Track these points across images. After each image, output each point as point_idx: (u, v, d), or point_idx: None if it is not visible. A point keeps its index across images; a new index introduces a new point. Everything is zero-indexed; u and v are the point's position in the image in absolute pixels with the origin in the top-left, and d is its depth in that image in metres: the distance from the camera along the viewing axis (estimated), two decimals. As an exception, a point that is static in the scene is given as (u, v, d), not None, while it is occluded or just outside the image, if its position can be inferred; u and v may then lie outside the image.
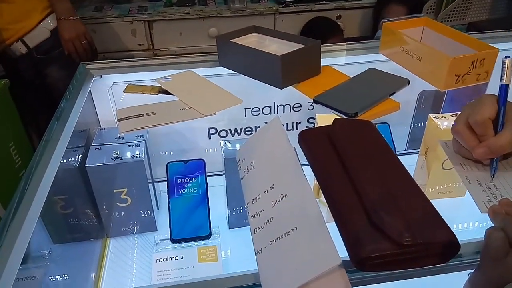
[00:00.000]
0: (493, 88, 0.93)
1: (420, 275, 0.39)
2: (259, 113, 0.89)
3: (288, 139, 0.46)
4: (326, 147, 0.47)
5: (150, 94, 0.69)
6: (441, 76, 0.64)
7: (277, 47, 0.74)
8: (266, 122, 0.92)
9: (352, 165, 0.43)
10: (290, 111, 0.90)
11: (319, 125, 0.73)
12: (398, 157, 0.90)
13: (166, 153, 0.93)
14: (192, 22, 1.87)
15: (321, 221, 0.36)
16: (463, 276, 0.42)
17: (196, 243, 0.76)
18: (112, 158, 0.70)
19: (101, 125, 0.83)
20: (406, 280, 0.41)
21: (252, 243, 0.41)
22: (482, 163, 0.50)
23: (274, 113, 0.90)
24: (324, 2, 1.92)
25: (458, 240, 0.37)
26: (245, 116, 0.89)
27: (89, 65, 0.79)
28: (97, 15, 1.82)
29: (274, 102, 0.88)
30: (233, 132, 0.92)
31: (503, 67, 0.50)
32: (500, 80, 0.49)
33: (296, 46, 0.70)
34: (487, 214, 0.42)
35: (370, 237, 0.36)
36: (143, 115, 0.63)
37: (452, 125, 0.50)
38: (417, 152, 0.90)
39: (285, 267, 0.35)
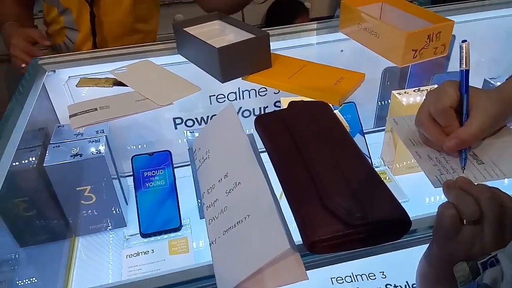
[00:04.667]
0: (454, 60, 0.94)
1: (375, 254, 0.39)
2: (225, 100, 0.88)
3: (241, 126, 0.45)
4: (281, 131, 0.46)
5: (104, 86, 0.66)
6: (399, 52, 0.64)
7: (233, 36, 0.71)
8: (232, 109, 0.91)
9: (306, 148, 0.42)
10: (256, 96, 0.89)
11: (283, 109, 0.73)
12: (366, 135, 0.91)
13: (133, 146, 0.91)
14: (157, 10, 1.81)
15: (272, 207, 0.35)
16: (421, 251, 0.42)
17: (166, 236, 0.76)
18: (71, 156, 0.68)
19: (60, 122, 0.80)
20: (363, 259, 0.41)
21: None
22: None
23: (239, 99, 0.89)
24: (291, -18, 1.89)
25: (413, 215, 0.38)
26: (211, 104, 0.88)
27: (42, 60, 0.75)
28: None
29: (239, 88, 0.87)
30: (199, 121, 0.90)
31: (460, 52, 0.48)
32: (460, 66, 0.48)
33: (247, 37, 0.67)
34: (440, 188, 0.43)
35: (321, 219, 0.35)
36: (96, 109, 0.61)
37: (415, 117, 0.48)
38: (384, 130, 0.91)
39: (237, 256, 0.34)
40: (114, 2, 1.00)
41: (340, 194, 0.37)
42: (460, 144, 0.45)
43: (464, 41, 0.48)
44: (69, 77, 0.76)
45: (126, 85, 0.65)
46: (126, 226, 0.79)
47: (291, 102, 0.49)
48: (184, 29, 0.69)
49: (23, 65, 0.88)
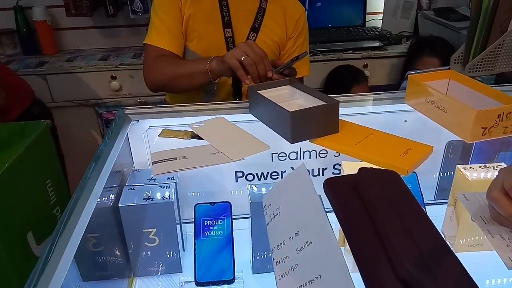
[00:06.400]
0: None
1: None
2: (286, 158, 0.91)
3: (313, 187, 0.47)
4: (351, 196, 0.48)
5: (183, 138, 0.72)
6: (467, 128, 0.65)
7: (303, 101, 0.76)
8: (292, 167, 0.94)
9: (378, 216, 0.43)
10: (316, 157, 0.92)
11: (345, 172, 0.75)
12: (427, 207, 0.89)
13: (194, 194, 0.95)
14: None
15: (345, 270, 0.36)
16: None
17: (220, 287, 0.77)
18: (143, 199, 0.73)
19: (135, 166, 0.87)
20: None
21: (276, 289, 0.41)
22: None
23: (300, 158, 0.92)
24: (351, 51, 1.98)
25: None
26: (272, 160, 0.91)
27: (128, 110, 0.84)
28: (136, 62, 1.95)
29: (300, 148, 0.90)
30: (259, 176, 0.94)
31: None
32: None
33: (314, 104, 0.72)
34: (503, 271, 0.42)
35: (394, 289, 0.36)
36: (175, 158, 0.66)
37: (487, 192, 0.49)
38: (445, 203, 0.89)
39: (308, 315, 0.35)
40: None
41: (414, 265, 0.37)
42: None
43: None
44: (149, 126, 0.84)
45: (202, 139, 0.70)
46: (181, 272, 0.82)
47: (361, 168, 0.51)
48: (258, 91, 0.76)
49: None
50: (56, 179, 1.29)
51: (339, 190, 0.49)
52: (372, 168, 0.52)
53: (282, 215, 0.47)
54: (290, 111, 0.64)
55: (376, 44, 2.05)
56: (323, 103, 0.70)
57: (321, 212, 0.43)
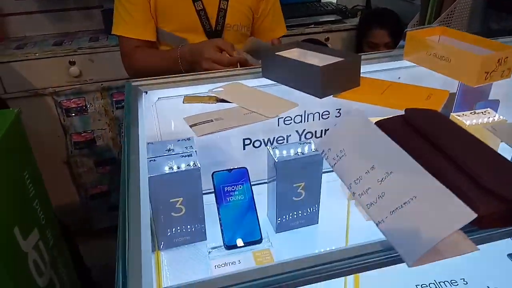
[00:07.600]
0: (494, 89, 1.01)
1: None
2: (291, 122, 0.94)
3: (374, 124, 0.50)
4: (406, 130, 0.51)
5: (208, 103, 0.72)
6: (473, 74, 0.71)
7: (319, 60, 0.79)
8: (297, 131, 0.96)
9: (441, 143, 0.48)
10: (319, 119, 0.95)
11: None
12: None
13: (202, 164, 0.94)
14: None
15: (439, 185, 0.40)
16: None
17: (249, 248, 0.78)
18: (170, 168, 0.72)
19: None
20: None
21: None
22: None
23: (304, 121, 0.95)
24: (313, 25, 2.03)
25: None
26: (278, 125, 0.93)
27: (135, 82, 0.81)
28: (95, 45, 1.84)
29: (305, 111, 0.93)
30: (266, 142, 0.95)
31: None
32: None
33: (336, 59, 0.75)
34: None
35: (482, 197, 0.40)
36: (211, 120, 0.66)
37: None
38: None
39: (416, 229, 0.38)
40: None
41: (491, 174, 0.42)
42: None
43: None
44: (158, 98, 0.82)
45: (228, 102, 0.70)
46: (206, 239, 0.82)
47: (407, 108, 0.55)
48: (276, 53, 0.77)
49: None
50: (31, 171, 1.21)
51: (393, 127, 0.53)
52: (416, 108, 0.56)
53: (348, 155, 0.50)
54: (320, 66, 0.66)
55: (334, 18, 2.12)
56: (342, 59, 0.73)
57: (391, 143, 0.46)
